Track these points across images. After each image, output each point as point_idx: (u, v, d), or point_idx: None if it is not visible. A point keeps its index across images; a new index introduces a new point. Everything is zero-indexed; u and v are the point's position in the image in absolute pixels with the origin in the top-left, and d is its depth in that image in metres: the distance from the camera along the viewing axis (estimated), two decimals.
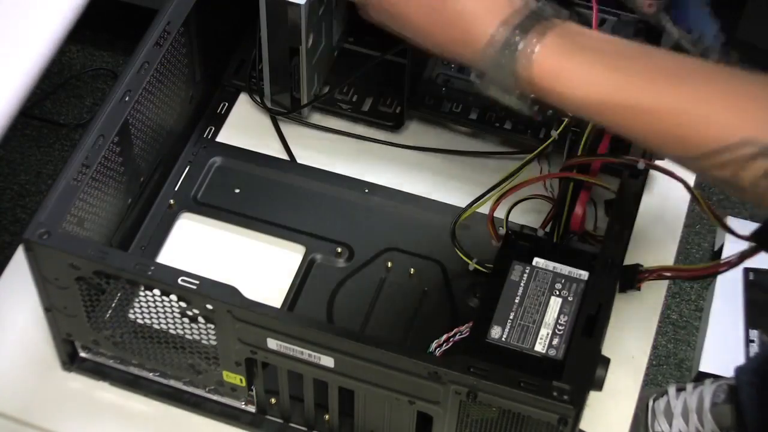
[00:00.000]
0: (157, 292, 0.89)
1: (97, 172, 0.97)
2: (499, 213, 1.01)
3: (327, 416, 0.97)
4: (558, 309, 0.91)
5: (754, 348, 1.58)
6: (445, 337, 0.97)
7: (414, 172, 1.16)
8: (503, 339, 0.90)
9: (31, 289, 0.95)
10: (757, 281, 1.64)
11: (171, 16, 1.06)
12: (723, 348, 1.59)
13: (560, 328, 0.90)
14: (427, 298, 1.07)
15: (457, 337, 0.97)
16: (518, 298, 0.92)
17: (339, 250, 1.09)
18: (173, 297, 0.89)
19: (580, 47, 0.80)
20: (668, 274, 0.97)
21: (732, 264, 0.93)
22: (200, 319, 0.90)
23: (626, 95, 0.77)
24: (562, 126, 1.05)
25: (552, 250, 0.95)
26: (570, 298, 0.91)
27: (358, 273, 1.08)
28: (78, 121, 1.85)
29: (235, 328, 0.89)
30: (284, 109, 1.19)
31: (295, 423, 0.99)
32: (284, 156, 1.17)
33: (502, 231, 0.98)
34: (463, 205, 1.03)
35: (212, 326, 0.90)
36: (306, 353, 0.88)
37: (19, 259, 1.07)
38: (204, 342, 0.92)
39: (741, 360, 1.57)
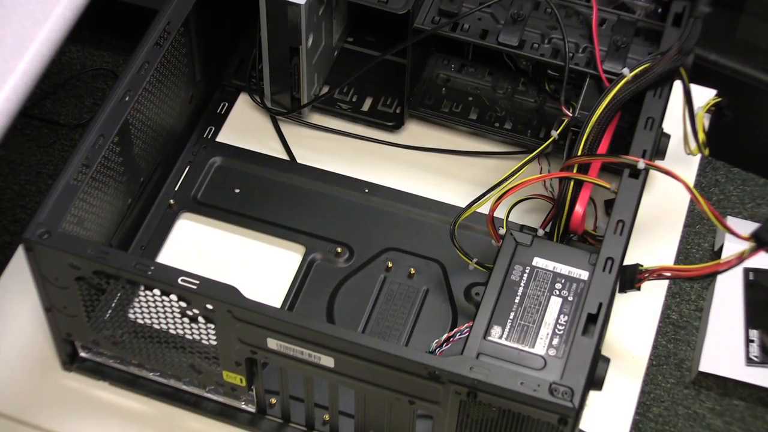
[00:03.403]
0: (157, 292, 0.89)
1: (97, 172, 0.97)
2: (499, 213, 1.01)
3: (327, 416, 0.97)
4: (558, 309, 0.91)
5: (754, 348, 1.58)
6: (445, 337, 0.97)
7: (414, 172, 1.16)
8: (503, 339, 0.90)
9: (31, 289, 0.95)
10: (757, 281, 1.63)
11: (171, 16, 1.06)
12: (723, 348, 1.59)
13: (560, 328, 0.90)
14: (427, 298, 1.07)
15: (457, 337, 0.97)
16: (518, 298, 0.92)
17: (339, 250, 1.09)
18: (173, 297, 0.89)
19: None
20: (668, 274, 0.97)
21: (732, 264, 0.92)
22: (200, 319, 0.90)
23: None
24: (562, 126, 1.06)
25: (552, 250, 0.95)
26: (570, 298, 0.91)
27: (358, 273, 1.08)
28: (78, 121, 1.85)
29: (235, 328, 0.89)
30: (284, 109, 1.19)
31: (295, 423, 0.99)
32: (284, 156, 1.17)
33: (502, 231, 0.98)
34: (463, 205, 1.03)
35: (212, 326, 0.90)
36: (306, 353, 0.88)
37: (19, 259, 1.07)
38: (204, 342, 0.92)
39: (741, 360, 1.57)
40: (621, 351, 1.04)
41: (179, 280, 0.88)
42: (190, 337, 0.93)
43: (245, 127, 1.19)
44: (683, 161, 1.12)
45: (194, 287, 0.88)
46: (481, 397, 0.85)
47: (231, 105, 1.21)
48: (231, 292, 0.88)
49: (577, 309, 0.90)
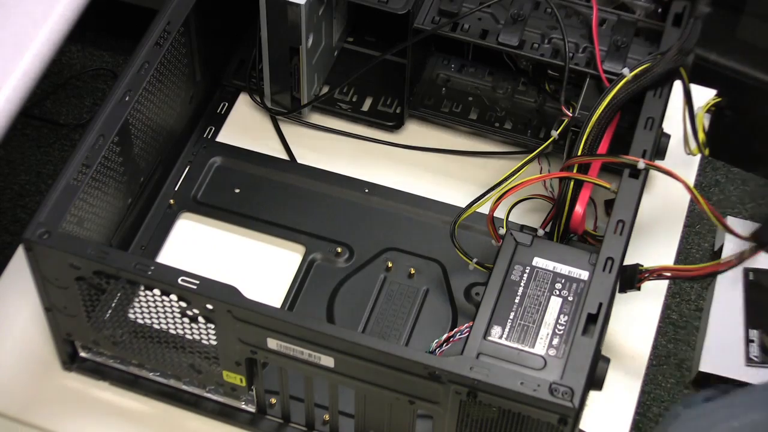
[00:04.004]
0: (157, 292, 0.89)
1: (97, 172, 0.97)
2: (499, 213, 1.01)
3: (327, 416, 0.97)
4: (558, 309, 0.91)
5: (754, 348, 1.58)
6: (445, 337, 0.97)
7: (414, 172, 1.16)
8: (503, 339, 0.90)
9: (31, 289, 0.95)
10: (757, 281, 1.64)
11: (171, 16, 1.06)
12: (723, 348, 1.59)
13: (560, 328, 0.90)
14: (427, 298, 1.07)
15: (457, 337, 0.97)
16: (518, 298, 0.92)
17: (339, 250, 1.09)
18: (173, 297, 0.89)
19: None
20: (668, 274, 0.97)
21: (732, 264, 0.93)
22: (200, 319, 0.90)
23: None
24: (562, 126, 1.06)
25: (552, 250, 0.95)
26: (570, 298, 0.91)
27: (358, 273, 1.08)
28: (78, 121, 1.85)
29: (235, 328, 0.89)
30: (284, 109, 1.19)
31: (295, 423, 0.99)
32: (284, 156, 1.17)
33: (502, 231, 0.98)
34: (463, 205, 1.03)
35: (212, 326, 0.90)
36: (306, 353, 0.88)
37: (19, 259, 1.07)
38: (204, 342, 0.92)
39: (741, 360, 1.57)
40: (621, 351, 1.04)
41: (179, 280, 0.88)
42: (190, 337, 0.93)
43: (245, 127, 1.19)
44: (683, 161, 1.12)
45: (194, 287, 0.88)
46: (481, 397, 0.85)
47: (231, 105, 1.21)
48: (231, 292, 0.88)
49: (577, 309, 0.90)
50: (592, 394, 0.90)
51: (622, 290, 0.97)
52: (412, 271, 1.08)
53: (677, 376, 1.62)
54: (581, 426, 0.92)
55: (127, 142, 1.01)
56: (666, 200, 1.14)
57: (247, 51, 1.22)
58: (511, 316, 0.91)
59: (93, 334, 0.97)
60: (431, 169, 1.17)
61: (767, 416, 0.78)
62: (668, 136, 1.07)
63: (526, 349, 0.89)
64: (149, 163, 1.09)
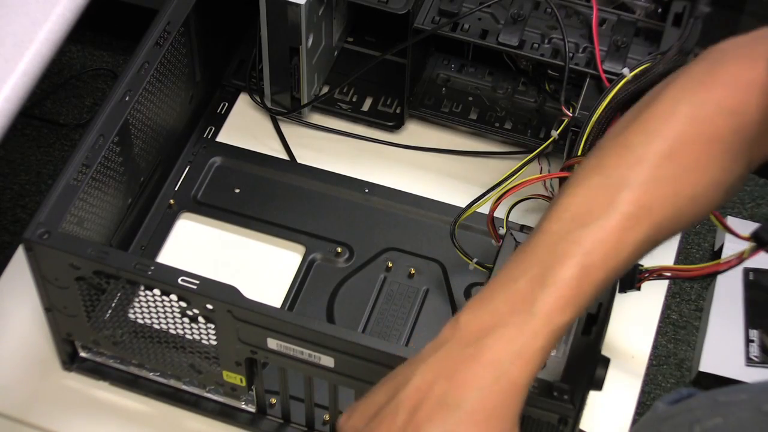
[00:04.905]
0: (157, 292, 0.89)
1: (97, 172, 0.97)
2: (499, 213, 1.01)
3: (327, 416, 0.97)
4: None
5: (754, 348, 1.58)
6: None
7: (414, 172, 1.16)
8: None
9: (31, 289, 0.95)
10: (757, 281, 1.63)
11: (171, 16, 1.06)
12: (723, 348, 1.59)
13: None
14: (427, 298, 1.07)
15: None
16: None
17: (339, 250, 1.09)
18: (173, 297, 0.89)
19: None
20: (668, 274, 0.97)
21: (732, 264, 0.92)
22: (200, 319, 0.90)
23: None
24: (562, 126, 1.06)
25: None
26: None
27: (358, 273, 1.08)
28: (78, 121, 1.85)
29: (235, 328, 0.89)
30: (284, 109, 1.19)
31: (295, 423, 0.99)
32: (284, 156, 1.17)
33: (502, 231, 0.98)
34: (463, 205, 1.03)
35: (212, 326, 0.90)
36: (306, 353, 0.88)
37: (19, 259, 1.07)
38: (204, 342, 0.92)
39: (741, 360, 1.57)
40: (621, 351, 1.04)
41: (179, 280, 0.88)
42: (190, 337, 0.93)
43: (245, 127, 1.19)
44: None
45: (194, 287, 0.88)
46: None
47: (231, 105, 1.21)
48: (231, 292, 0.88)
49: None
50: (592, 394, 0.90)
51: (622, 290, 0.97)
52: (412, 271, 1.08)
53: (677, 376, 1.62)
54: (581, 426, 0.92)
55: (127, 142, 1.02)
56: None
57: (247, 51, 1.22)
58: None
59: (93, 334, 0.97)
60: (431, 169, 1.17)
61: (755, 414, 0.78)
62: None
63: None
64: (149, 163, 1.09)
